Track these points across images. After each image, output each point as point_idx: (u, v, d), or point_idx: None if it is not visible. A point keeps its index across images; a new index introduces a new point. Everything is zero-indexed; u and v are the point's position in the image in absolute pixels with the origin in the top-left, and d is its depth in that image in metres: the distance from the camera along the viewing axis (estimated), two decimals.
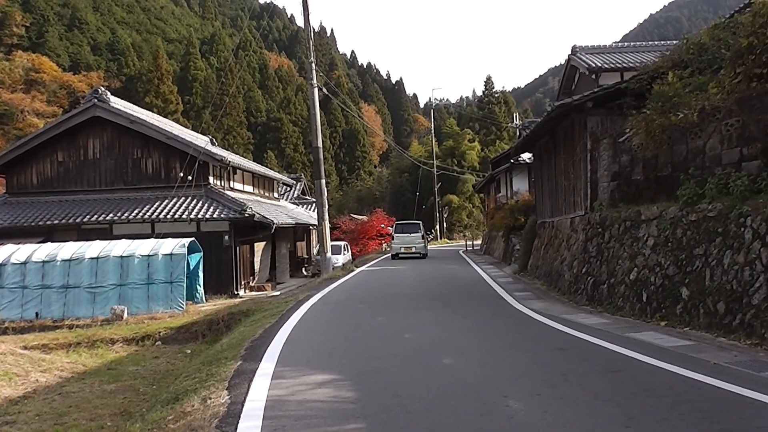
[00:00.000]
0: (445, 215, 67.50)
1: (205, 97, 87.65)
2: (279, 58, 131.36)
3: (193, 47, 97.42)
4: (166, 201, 25.46)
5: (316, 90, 25.80)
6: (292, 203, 42.13)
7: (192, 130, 42.50)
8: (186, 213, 24.45)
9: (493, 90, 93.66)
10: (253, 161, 49.51)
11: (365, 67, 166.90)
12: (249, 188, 32.11)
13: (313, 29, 29.77)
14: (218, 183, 27.47)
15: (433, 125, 71.15)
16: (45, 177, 27.05)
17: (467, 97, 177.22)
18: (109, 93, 27.29)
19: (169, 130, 27.55)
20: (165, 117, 45.85)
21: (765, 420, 4.93)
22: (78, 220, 24.67)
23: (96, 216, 24.83)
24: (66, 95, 68.49)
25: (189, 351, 14.25)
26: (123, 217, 24.70)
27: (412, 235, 32.24)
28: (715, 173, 9.57)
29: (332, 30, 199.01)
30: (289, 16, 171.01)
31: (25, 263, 19.72)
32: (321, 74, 30.26)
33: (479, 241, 46.34)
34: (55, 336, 15.83)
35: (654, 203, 11.04)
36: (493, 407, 5.47)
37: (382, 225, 47.05)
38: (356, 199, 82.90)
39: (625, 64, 20.74)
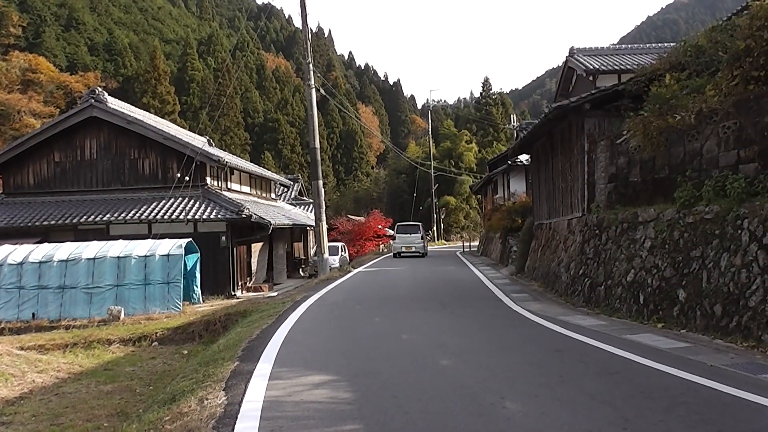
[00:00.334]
0: (443, 216, 67.53)
1: (203, 98, 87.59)
2: (276, 58, 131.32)
3: (191, 48, 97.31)
4: (163, 201, 25.43)
5: (313, 91, 25.80)
6: (290, 204, 42.12)
7: (189, 130, 42.52)
8: (183, 213, 24.42)
9: (491, 91, 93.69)
10: (251, 162, 49.51)
11: (363, 68, 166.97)
12: (246, 189, 32.09)
13: (311, 30, 29.76)
14: (215, 183, 27.45)
15: (430, 126, 71.11)
16: (42, 177, 27.00)
17: (465, 99, 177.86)
18: (106, 93, 27.25)
19: (166, 131, 27.52)
20: (162, 117, 45.81)
21: (761, 422, 4.94)
22: (75, 221, 24.63)
23: (93, 216, 24.79)
24: (63, 95, 68.28)
25: (186, 352, 14.23)
26: (120, 218, 24.67)
27: (412, 235, 34.34)
28: (713, 175, 9.59)
29: (330, 31, 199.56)
30: (286, 16, 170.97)
31: (21, 264, 19.69)
32: (318, 75, 30.23)
33: (476, 243, 46.36)
34: (51, 336, 15.80)
35: (651, 205, 11.06)
36: (490, 408, 5.47)
37: (379, 226, 47.07)
38: (353, 200, 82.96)
39: (622, 66, 20.78)
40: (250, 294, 24.56)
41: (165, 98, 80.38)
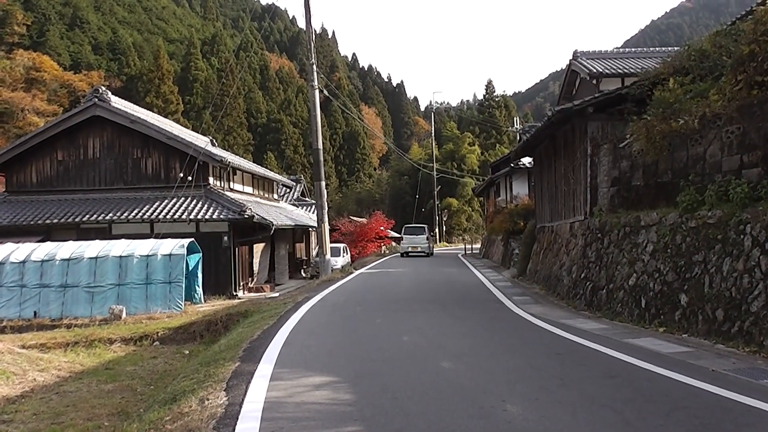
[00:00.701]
0: (445, 218, 67.54)
1: (206, 98, 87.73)
2: (280, 59, 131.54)
3: (194, 48, 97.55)
4: (166, 201, 25.45)
5: (317, 92, 25.81)
6: (292, 205, 42.14)
7: (192, 130, 42.50)
8: (185, 213, 24.44)
9: (494, 94, 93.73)
10: (253, 162, 49.52)
11: (366, 69, 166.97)
12: (249, 189, 32.11)
13: (315, 31, 29.79)
14: (218, 184, 27.47)
15: (433, 128, 71.20)
16: (44, 176, 27.03)
17: (468, 101, 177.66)
18: (109, 92, 27.29)
19: (169, 131, 27.54)
20: (165, 117, 45.85)
21: (762, 428, 4.94)
22: (77, 220, 24.66)
23: (95, 215, 24.81)
24: (66, 94, 68.41)
25: (187, 351, 14.23)
26: (122, 217, 24.69)
27: (418, 236, 37.67)
28: (715, 180, 9.58)
29: (333, 32, 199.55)
30: (290, 17, 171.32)
31: (23, 262, 19.71)
32: (322, 76, 30.26)
33: (478, 245, 46.34)
34: (53, 335, 15.82)
35: (654, 209, 11.05)
36: (490, 411, 5.46)
37: (381, 227, 47.02)
38: (356, 201, 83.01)
39: (626, 70, 20.76)
40: (252, 294, 24.58)
41: (168, 98, 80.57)
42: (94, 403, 9.78)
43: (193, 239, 21.55)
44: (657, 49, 26.14)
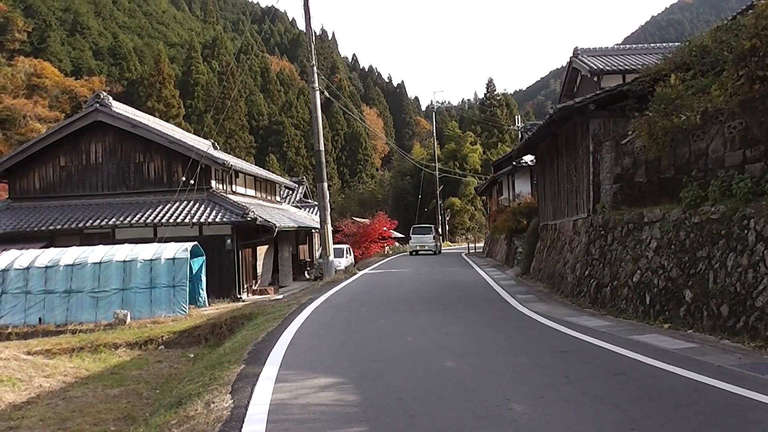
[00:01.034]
0: (447, 218, 67.52)
1: (207, 101, 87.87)
2: (280, 61, 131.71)
3: (195, 51, 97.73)
4: (169, 205, 25.47)
5: (317, 93, 25.81)
6: (295, 206, 42.17)
7: (194, 134, 42.54)
8: (188, 217, 24.46)
9: (495, 92, 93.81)
10: (255, 165, 49.53)
11: (367, 70, 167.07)
12: (251, 192, 32.13)
13: (315, 33, 29.80)
14: (220, 187, 27.49)
15: (434, 128, 71.11)
16: (47, 182, 27.08)
17: (469, 100, 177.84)
18: (110, 97, 27.30)
19: (171, 134, 27.57)
20: (167, 121, 45.99)
21: None
22: (80, 225, 24.70)
23: (98, 221, 24.85)
24: (68, 100, 68.60)
25: (192, 355, 14.25)
26: (125, 222, 24.72)
27: (426, 236, 40.48)
28: (718, 175, 9.57)
29: (333, 33, 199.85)
30: (290, 19, 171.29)
31: (28, 268, 19.75)
32: (323, 77, 30.27)
33: (481, 244, 46.32)
34: (58, 341, 15.85)
35: (657, 205, 11.04)
36: (495, 410, 5.46)
37: (384, 228, 47.01)
38: (358, 202, 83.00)
39: (627, 67, 20.75)
40: (256, 297, 24.59)
41: (170, 102, 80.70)
42: (100, 408, 9.80)
43: (196, 243, 21.58)
44: (658, 45, 26.10)
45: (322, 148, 25.65)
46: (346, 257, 33.56)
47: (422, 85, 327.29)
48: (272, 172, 52.27)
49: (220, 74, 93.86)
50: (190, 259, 20.58)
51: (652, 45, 26.70)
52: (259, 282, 27.86)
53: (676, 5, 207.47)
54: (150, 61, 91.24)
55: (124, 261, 19.86)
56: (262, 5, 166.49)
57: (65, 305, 19.33)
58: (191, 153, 25.33)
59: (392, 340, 9.45)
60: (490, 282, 19.05)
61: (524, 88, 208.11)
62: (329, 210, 26.13)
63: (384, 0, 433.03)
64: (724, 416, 5.08)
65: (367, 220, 50.17)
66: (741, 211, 8.43)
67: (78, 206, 26.21)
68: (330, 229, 25.90)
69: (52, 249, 21.49)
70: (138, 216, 25.01)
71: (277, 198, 37.99)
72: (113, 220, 24.88)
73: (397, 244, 54.30)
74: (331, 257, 25.59)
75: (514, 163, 30.36)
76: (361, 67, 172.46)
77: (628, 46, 26.81)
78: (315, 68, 25.87)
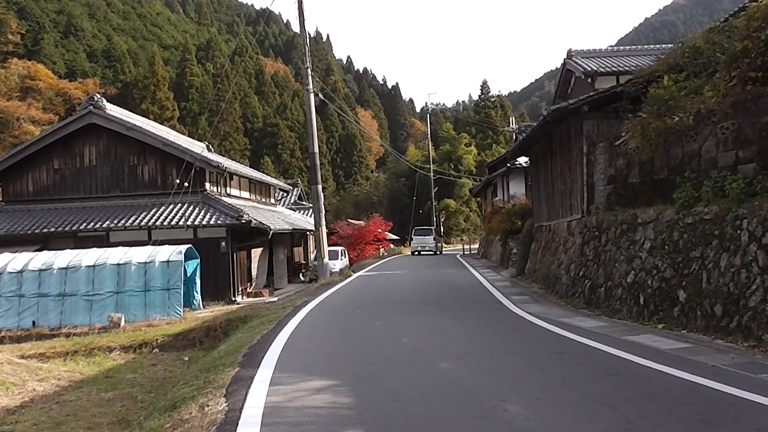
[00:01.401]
0: (443, 219, 67.53)
1: (202, 103, 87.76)
2: (275, 63, 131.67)
3: (189, 53, 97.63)
4: (163, 208, 25.43)
5: (312, 95, 25.81)
6: (289, 209, 42.12)
7: (188, 136, 42.58)
8: (183, 220, 24.42)
9: (489, 94, 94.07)
10: (250, 167, 49.52)
11: (361, 72, 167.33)
12: (246, 194, 32.09)
13: (309, 35, 29.80)
14: (215, 189, 27.45)
15: (429, 130, 71.06)
16: (41, 185, 27.01)
17: (463, 102, 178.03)
18: (105, 100, 27.29)
19: (165, 137, 27.54)
20: (161, 123, 45.91)
21: (763, 422, 4.93)
22: (74, 228, 24.63)
23: (92, 223, 24.79)
24: (62, 102, 68.42)
25: (187, 358, 14.21)
26: (120, 225, 24.67)
27: (427, 237, 43.79)
28: (711, 176, 9.60)
29: (328, 35, 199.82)
30: (285, 21, 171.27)
31: (21, 272, 19.67)
32: (317, 80, 30.26)
33: (476, 245, 46.37)
34: (52, 344, 15.78)
35: (650, 206, 11.06)
36: (491, 411, 5.46)
37: (379, 230, 47.05)
38: (353, 204, 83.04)
39: (620, 68, 20.80)
40: (251, 299, 24.55)
41: (164, 104, 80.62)
42: (94, 412, 9.76)
43: (190, 245, 21.53)
44: (651, 46, 26.19)
45: (316, 150, 25.64)
46: (341, 259, 33.57)
47: (417, 87, 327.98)
48: (267, 174, 52.17)
49: (215, 76, 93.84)
50: (185, 261, 20.53)
51: (645, 46, 26.79)
52: (253, 284, 27.82)
53: (670, 7, 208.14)
54: (144, 63, 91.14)
55: (119, 264, 19.81)
56: (257, 7, 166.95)
57: (59, 308, 19.26)
58: (185, 155, 25.31)
59: (388, 342, 9.45)
60: (485, 283, 19.06)
61: (518, 90, 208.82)
62: (324, 212, 26.12)
63: (379, 2, 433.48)
64: (719, 416, 5.09)
65: (362, 222, 50.25)
66: (734, 211, 8.46)
67: (72, 209, 26.15)
68: (325, 231, 25.89)
69: (45, 252, 21.42)
70: (132, 219, 24.96)
71: (272, 200, 37.95)
72: (107, 222, 24.82)
73: (392, 245, 54.39)
74: (326, 259, 25.58)
75: (509, 165, 30.37)
76: (355, 69, 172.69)
77: (621, 47, 26.87)
78: (309, 70, 25.86)
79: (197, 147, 29.97)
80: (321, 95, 29.09)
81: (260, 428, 5.25)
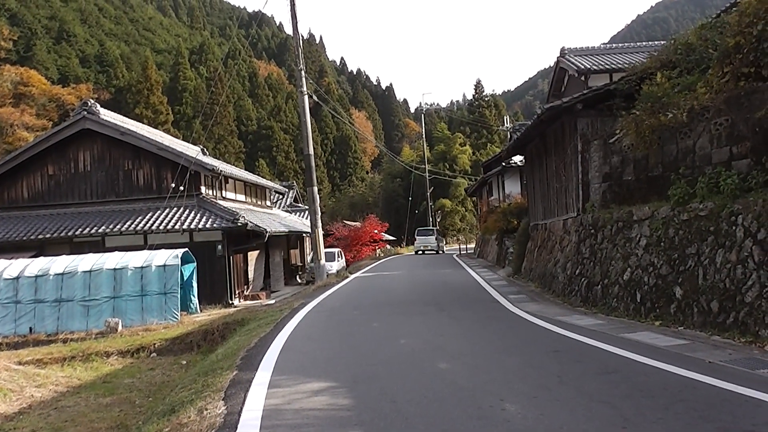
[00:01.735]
0: (438, 219, 67.56)
1: (196, 107, 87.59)
2: (268, 66, 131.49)
3: (182, 57, 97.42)
4: (159, 212, 25.38)
5: (306, 97, 25.81)
6: (285, 211, 42.09)
7: (183, 140, 42.44)
8: (178, 223, 24.38)
9: (483, 93, 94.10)
10: (245, 170, 49.46)
11: (355, 73, 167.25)
12: (241, 197, 32.05)
13: (302, 37, 29.80)
14: (210, 192, 27.41)
15: (424, 130, 71.19)
16: (36, 191, 26.92)
17: (458, 101, 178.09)
18: (98, 105, 27.20)
19: (159, 141, 27.48)
20: (155, 128, 45.78)
21: (760, 417, 4.95)
22: (70, 234, 24.56)
23: (88, 229, 24.73)
24: (55, 108, 68.14)
25: (184, 362, 14.20)
26: (115, 230, 24.61)
27: (429, 237, 46.62)
28: (706, 172, 9.62)
29: (321, 37, 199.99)
30: (277, 24, 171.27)
31: (17, 278, 19.62)
32: (311, 81, 30.29)
33: (473, 245, 46.42)
34: (49, 350, 15.76)
35: (645, 203, 11.09)
36: (489, 411, 5.47)
37: (376, 231, 47.02)
38: (349, 205, 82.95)
39: (613, 66, 20.83)
40: (248, 302, 24.53)
41: (158, 108, 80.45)
42: (92, 417, 9.75)
43: (187, 249, 21.49)
44: (644, 43, 26.24)
45: (311, 152, 25.64)
46: (338, 261, 33.52)
47: (411, 88, 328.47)
48: (262, 176, 52.14)
49: (208, 80, 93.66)
50: (181, 265, 20.51)
51: (638, 44, 26.83)
52: (250, 287, 27.79)
53: (662, 3, 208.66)
54: (137, 67, 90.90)
55: (115, 269, 19.77)
56: (249, 10, 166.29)
57: (56, 314, 19.20)
58: (180, 159, 25.26)
59: (385, 343, 9.45)
60: (482, 283, 19.08)
61: (512, 89, 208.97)
62: (320, 214, 26.13)
63: (371, 3, 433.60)
64: (716, 412, 5.10)
65: (358, 224, 50.22)
66: (729, 207, 8.49)
67: (67, 215, 26.08)
68: (321, 232, 25.89)
69: (41, 258, 21.34)
70: (128, 223, 24.90)
71: (268, 203, 37.92)
72: (103, 228, 24.76)
73: (388, 246, 54.35)
74: (323, 261, 25.58)
75: (504, 164, 30.41)
76: (349, 70, 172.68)
77: (614, 45, 26.87)
78: (303, 72, 25.87)
79: (192, 151, 29.91)
80: (315, 97, 29.13)
81: (259, 431, 5.26)
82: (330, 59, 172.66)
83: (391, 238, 59.42)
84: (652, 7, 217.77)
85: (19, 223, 25.69)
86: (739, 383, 5.81)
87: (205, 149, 38.11)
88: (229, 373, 7.90)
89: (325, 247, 28.66)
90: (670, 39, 13.03)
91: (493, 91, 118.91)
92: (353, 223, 51.27)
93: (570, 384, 6.27)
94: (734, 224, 8.32)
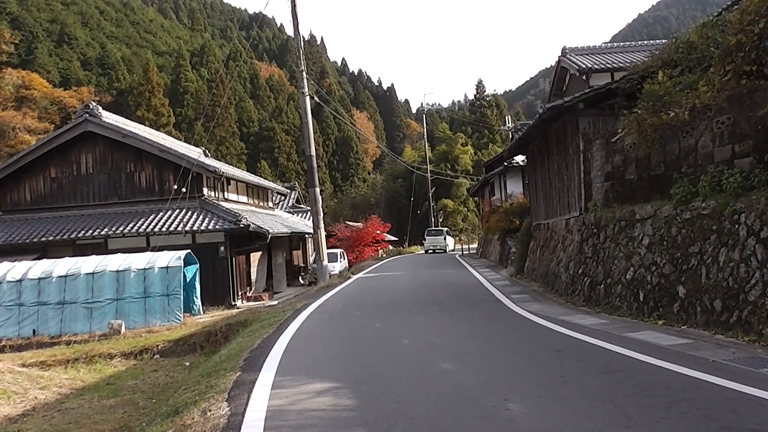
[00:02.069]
0: (440, 220, 67.54)
1: (197, 109, 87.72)
2: (269, 67, 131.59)
3: (184, 59, 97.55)
4: (161, 214, 25.42)
5: (307, 98, 25.81)
6: (287, 212, 42.12)
7: (185, 142, 42.49)
8: (181, 225, 24.41)
9: (485, 93, 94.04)
10: (247, 171, 49.49)
11: (356, 74, 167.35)
12: (243, 198, 32.08)
13: (303, 38, 29.82)
14: (212, 194, 27.44)
15: (425, 130, 71.14)
16: (38, 193, 26.99)
17: (459, 102, 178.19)
18: (100, 107, 27.25)
19: (161, 143, 27.53)
20: (157, 130, 45.86)
21: (764, 416, 4.94)
22: (73, 236, 24.62)
23: (90, 231, 24.78)
24: (57, 111, 68.24)
25: (188, 363, 14.21)
26: (118, 232, 24.65)
27: (438, 237, 48.79)
28: (708, 171, 9.61)
29: (322, 38, 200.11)
30: (278, 25, 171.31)
31: (20, 281, 19.66)
32: (312, 82, 30.29)
33: (475, 245, 46.39)
34: (52, 352, 15.78)
35: (648, 202, 11.07)
36: (492, 411, 5.47)
37: (378, 231, 47.01)
38: (351, 206, 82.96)
39: (615, 65, 20.80)
40: (251, 303, 24.54)
41: (159, 110, 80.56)
42: (96, 419, 9.76)
43: (189, 251, 21.52)
44: (645, 42, 26.21)
45: (313, 152, 25.63)
46: (340, 261, 33.52)
47: (412, 88, 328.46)
48: (264, 178, 52.21)
49: (210, 82, 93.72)
50: (184, 267, 20.53)
51: (639, 42, 26.81)
52: (253, 288, 27.81)
53: (663, 2, 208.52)
54: (138, 70, 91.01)
55: (118, 271, 19.80)
56: (250, 11, 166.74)
57: (59, 317, 19.25)
58: (182, 161, 25.28)
59: (388, 343, 9.45)
60: (484, 283, 19.06)
61: (514, 89, 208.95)
62: (322, 215, 26.12)
63: (372, 3, 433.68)
64: (719, 411, 5.09)
65: (360, 224, 50.20)
66: (731, 206, 8.47)
67: (70, 217, 26.14)
68: (323, 233, 25.87)
69: (44, 260, 21.40)
70: (130, 225, 24.94)
71: (270, 204, 37.95)
72: (105, 230, 24.81)
73: (390, 247, 54.36)
74: (325, 262, 25.57)
75: (506, 164, 30.40)
76: (350, 71, 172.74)
77: (615, 44, 26.85)
78: (304, 73, 25.87)
79: (194, 152, 29.97)
80: (316, 98, 29.12)
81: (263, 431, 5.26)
82: (331, 60, 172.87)
83: (394, 238, 59.44)
84: (653, 5, 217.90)
85: (22, 225, 25.75)
86: (743, 382, 5.80)
87: (207, 151, 38.17)
88: (232, 375, 7.90)
89: (328, 248, 28.66)
90: (672, 37, 13.00)
91: (495, 90, 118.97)
92: (355, 224, 51.26)
93: (573, 383, 6.27)
94: (737, 223, 8.31)
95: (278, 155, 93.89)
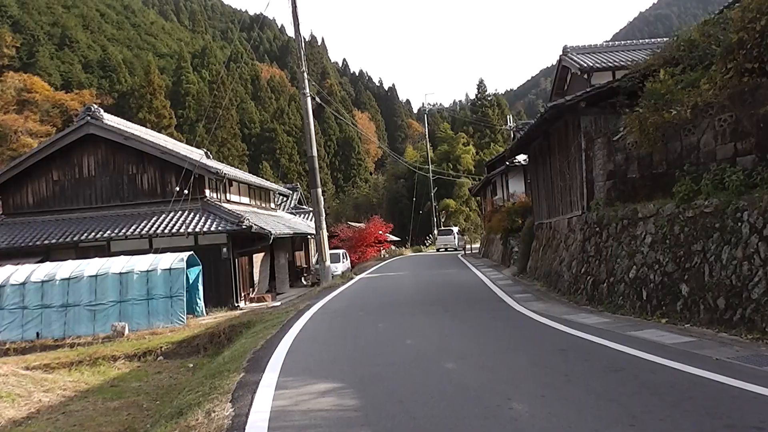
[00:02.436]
0: (443, 219, 67.50)
1: (199, 111, 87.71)
2: (271, 68, 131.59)
3: (185, 61, 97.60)
4: (163, 216, 25.45)
5: (309, 99, 25.82)
6: (289, 213, 42.13)
7: (186, 143, 42.51)
8: (183, 227, 24.43)
9: (486, 93, 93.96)
10: (249, 172, 49.57)
11: (357, 74, 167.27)
12: (245, 200, 32.10)
13: (304, 39, 29.82)
14: (214, 196, 27.46)
15: (427, 130, 71.13)
16: (41, 196, 27.03)
17: (460, 101, 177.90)
18: (101, 110, 27.30)
19: (163, 145, 27.56)
20: (159, 132, 45.92)
21: (767, 414, 4.94)
22: (75, 239, 24.65)
23: (93, 233, 24.81)
24: (59, 114, 68.25)
25: (191, 365, 14.22)
26: (120, 234, 24.68)
27: (449, 236, 51.08)
28: (710, 169, 9.60)
29: (323, 39, 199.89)
30: (279, 26, 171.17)
31: (24, 284, 19.69)
32: (313, 83, 30.32)
33: (477, 245, 46.37)
34: (56, 355, 15.80)
35: (650, 201, 11.06)
36: (496, 410, 5.47)
37: (380, 231, 47.02)
38: (353, 206, 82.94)
39: (616, 63, 20.77)
40: (254, 305, 24.56)
41: (161, 112, 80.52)
42: (100, 421, 9.77)
43: (192, 252, 21.55)
44: (646, 40, 26.19)
45: (315, 153, 25.65)
46: (343, 262, 33.55)
47: (413, 88, 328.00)
48: (266, 179, 52.25)
49: (211, 83, 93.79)
50: (187, 269, 20.55)
51: (640, 41, 26.79)
52: (256, 290, 27.82)
53: (664, 0, 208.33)
54: (140, 72, 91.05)
55: (121, 273, 19.83)
56: (251, 13, 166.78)
57: (62, 319, 19.27)
58: (184, 163, 25.32)
59: (392, 344, 9.45)
60: (487, 282, 19.06)
61: (515, 88, 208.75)
62: (324, 215, 26.14)
63: (373, 4, 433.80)
64: (723, 409, 5.09)
65: (362, 225, 50.21)
66: (734, 203, 8.46)
67: (72, 220, 26.17)
68: (325, 234, 25.89)
69: (47, 263, 21.43)
70: (133, 228, 24.97)
71: (272, 205, 37.96)
72: (108, 232, 24.84)
73: (393, 247, 54.37)
74: (328, 262, 25.59)
75: (507, 163, 30.40)
76: (351, 71, 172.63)
77: (617, 42, 26.82)
78: (305, 74, 25.89)
79: (196, 154, 30.00)
80: (318, 99, 29.14)
81: None
82: (332, 61, 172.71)
83: (396, 238, 59.43)
84: (654, 4, 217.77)
85: (25, 229, 25.79)
86: (747, 380, 5.79)
87: (209, 152, 38.18)
88: (236, 376, 7.91)
89: (330, 249, 28.67)
90: (673, 36, 12.97)
91: (496, 90, 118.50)
92: (357, 225, 51.29)
93: (577, 382, 6.27)
94: (740, 220, 8.30)
95: (280, 156, 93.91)
